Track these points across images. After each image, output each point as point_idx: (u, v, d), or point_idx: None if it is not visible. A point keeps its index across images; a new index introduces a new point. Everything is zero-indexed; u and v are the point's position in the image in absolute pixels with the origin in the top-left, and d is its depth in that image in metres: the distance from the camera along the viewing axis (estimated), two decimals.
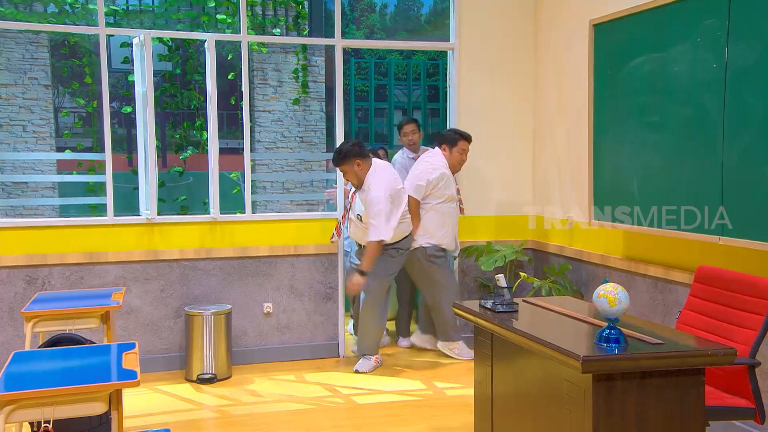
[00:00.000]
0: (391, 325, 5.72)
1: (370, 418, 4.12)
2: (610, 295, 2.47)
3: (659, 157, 3.85)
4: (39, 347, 3.77)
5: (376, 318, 4.98)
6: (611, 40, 4.21)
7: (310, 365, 5.16)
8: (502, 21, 5.49)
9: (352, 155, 4.79)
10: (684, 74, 3.65)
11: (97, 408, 2.54)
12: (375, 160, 4.94)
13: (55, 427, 3.33)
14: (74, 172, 7.28)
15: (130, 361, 2.75)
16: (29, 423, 3.43)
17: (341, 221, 5.12)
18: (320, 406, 4.35)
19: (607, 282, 2.55)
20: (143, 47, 4.96)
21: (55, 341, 3.77)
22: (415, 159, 5.51)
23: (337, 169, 4.96)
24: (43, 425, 3.23)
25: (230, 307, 4.97)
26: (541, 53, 5.48)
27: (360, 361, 5.03)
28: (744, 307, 2.87)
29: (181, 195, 7.72)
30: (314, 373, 4.99)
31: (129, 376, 2.58)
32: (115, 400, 2.64)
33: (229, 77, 6.05)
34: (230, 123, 9.80)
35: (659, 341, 2.56)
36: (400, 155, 5.70)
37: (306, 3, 9.01)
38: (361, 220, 4.88)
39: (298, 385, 4.77)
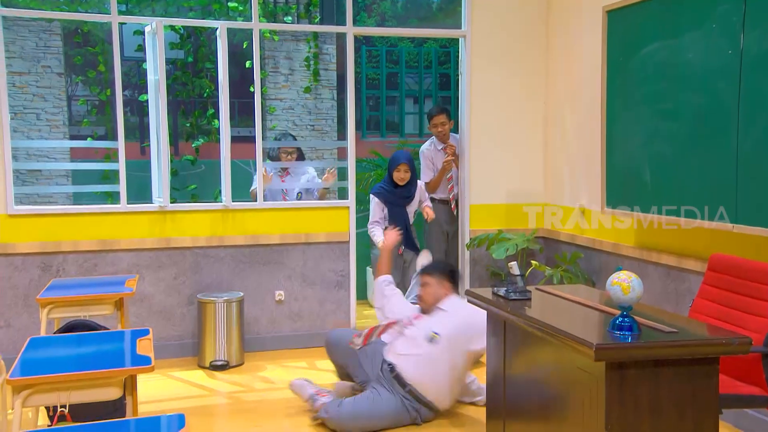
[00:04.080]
0: None
1: None
2: (623, 282, 2.46)
3: (672, 146, 3.81)
4: (54, 333, 3.80)
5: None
6: (624, 26, 4.17)
7: (322, 352, 5.16)
8: (514, 8, 5.44)
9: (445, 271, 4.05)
10: (698, 61, 3.61)
11: (112, 393, 2.56)
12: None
13: (70, 411, 3.35)
14: (99, 160, 7.27)
15: (145, 347, 2.77)
16: (45, 408, 3.46)
17: (377, 331, 4.07)
18: (331, 393, 4.35)
19: (621, 270, 2.53)
20: (155, 35, 4.96)
21: (70, 327, 3.80)
22: (443, 150, 5.45)
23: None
24: (59, 410, 3.25)
25: (242, 294, 4.99)
26: (553, 40, 5.44)
27: None
28: (758, 295, 2.85)
29: (192, 184, 7.72)
30: (326, 360, 4.98)
31: (143, 361, 2.60)
32: (129, 385, 2.66)
33: (247, 65, 6.03)
34: (242, 111, 9.78)
35: (673, 330, 2.54)
36: (427, 146, 5.56)
37: None
38: (433, 341, 3.76)
39: (310, 372, 4.78)
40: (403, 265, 5.17)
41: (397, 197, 5.10)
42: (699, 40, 3.60)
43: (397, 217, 5.06)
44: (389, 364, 3.79)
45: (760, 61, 3.25)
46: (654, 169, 3.97)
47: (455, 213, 5.49)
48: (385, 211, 5.09)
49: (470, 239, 5.39)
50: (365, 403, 3.70)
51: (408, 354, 3.77)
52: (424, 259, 4.69)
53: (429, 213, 5.14)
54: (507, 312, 3.01)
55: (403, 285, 5.00)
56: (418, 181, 5.29)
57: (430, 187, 5.44)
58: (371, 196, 5.19)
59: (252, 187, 5.32)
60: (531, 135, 5.54)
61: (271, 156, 5.54)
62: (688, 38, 3.67)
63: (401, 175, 5.05)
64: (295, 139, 6.62)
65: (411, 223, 5.23)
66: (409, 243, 5.16)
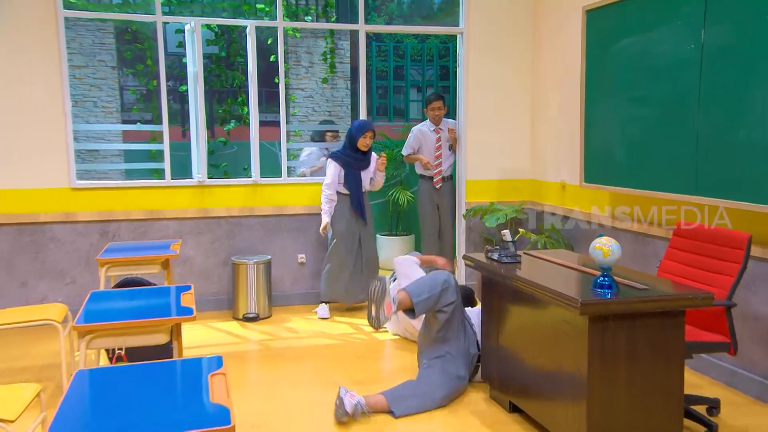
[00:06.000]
0: None
1: (388, 350, 4.12)
2: (604, 247, 2.41)
3: (643, 127, 3.74)
4: (111, 288, 3.78)
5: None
6: (602, 24, 4.07)
7: (339, 307, 5.16)
8: (505, 7, 5.33)
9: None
10: (665, 54, 3.52)
11: (161, 338, 2.55)
12: None
13: (126, 353, 3.34)
14: (147, 141, 7.19)
15: (188, 300, 2.75)
16: (105, 350, 3.46)
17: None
18: (347, 341, 4.35)
19: (602, 236, 2.47)
20: (194, 33, 4.87)
21: (124, 283, 3.78)
22: (436, 131, 5.39)
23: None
24: (117, 351, 3.23)
25: (270, 257, 4.96)
26: (539, 36, 5.32)
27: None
28: (721, 256, 2.80)
29: (223, 162, 7.65)
30: (342, 315, 4.99)
31: (187, 312, 2.58)
32: (175, 332, 2.65)
33: (272, 59, 5.93)
34: (268, 99, 9.67)
35: (645, 287, 2.49)
36: (420, 127, 5.45)
37: None
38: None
39: (328, 323, 4.77)
40: (360, 235, 4.84)
41: (356, 161, 4.74)
42: (666, 36, 3.51)
43: (352, 180, 4.72)
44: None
45: (718, 53, 3.17)
46: (626, 147, 3.89)
47: (437, 187, 5.41)
48: (342, 174, 4.73)
49: (466, 210, 5.34)
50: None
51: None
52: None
53: (379, 162, 4.79)
54: (501, 273, 2.96)
55: (360, 255, 4.81)
56: (374, 153, 4.90)
57: (405, 159, 5.55)
58: (329, 159, 4.78)
59: (299, 170, 5.47)
60: (519, 119, 5.45)
61: (313, 138, 5.53)
62: (657, 34, 3.57)
63: (367, 141, 4.70)
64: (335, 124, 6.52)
65: (364, 190, 4.81)
66: (360, 209, 4.78)
